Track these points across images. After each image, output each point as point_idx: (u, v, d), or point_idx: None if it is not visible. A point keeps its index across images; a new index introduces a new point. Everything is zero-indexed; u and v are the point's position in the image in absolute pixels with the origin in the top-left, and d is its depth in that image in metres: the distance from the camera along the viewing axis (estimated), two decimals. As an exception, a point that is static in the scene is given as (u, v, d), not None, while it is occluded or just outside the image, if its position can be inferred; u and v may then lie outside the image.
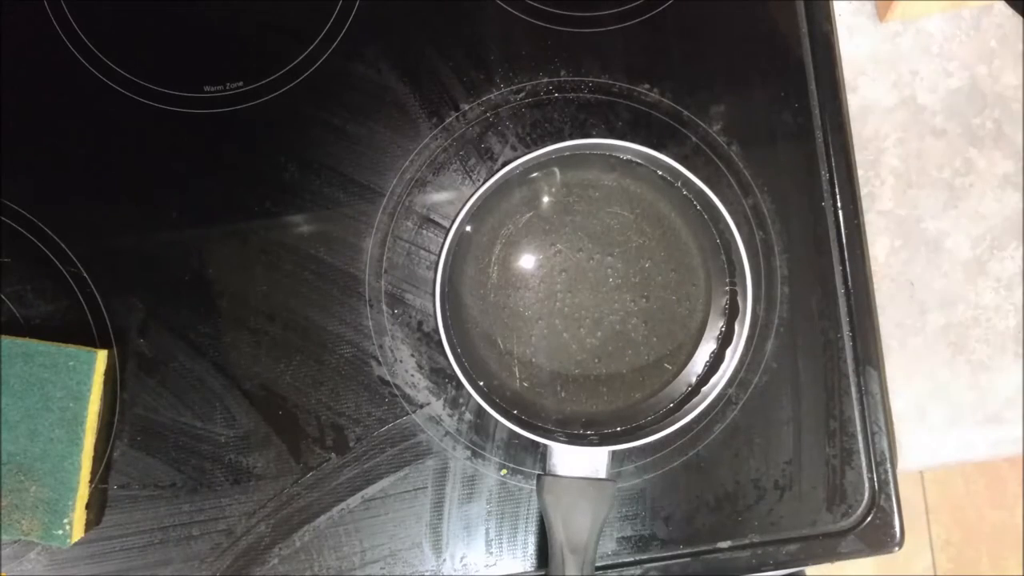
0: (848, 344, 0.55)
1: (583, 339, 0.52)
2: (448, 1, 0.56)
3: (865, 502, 0.54)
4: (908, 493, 1.35)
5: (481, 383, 0.51)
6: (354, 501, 0.54)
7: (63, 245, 0.55)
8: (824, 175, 0.55)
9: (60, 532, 0.51)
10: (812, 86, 0.56)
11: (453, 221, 0.50)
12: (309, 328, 0.55)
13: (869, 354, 0.54)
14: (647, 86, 0.56)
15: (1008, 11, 0.58)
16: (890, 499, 0.54)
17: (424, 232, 0.55)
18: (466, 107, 0.56)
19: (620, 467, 0.53)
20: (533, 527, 0.54)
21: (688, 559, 0.54)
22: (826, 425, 0.54)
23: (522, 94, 0.56)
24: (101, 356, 0.52)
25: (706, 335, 0.52)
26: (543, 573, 0.53)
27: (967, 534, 1.38)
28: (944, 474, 1.38)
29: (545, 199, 0.53)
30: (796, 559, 0.54)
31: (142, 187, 0.55)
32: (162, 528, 0.54)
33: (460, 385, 0.50)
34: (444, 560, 0.54)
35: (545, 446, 0.50)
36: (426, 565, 0.54)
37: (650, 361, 0.52)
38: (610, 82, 0.56)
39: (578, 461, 0.49)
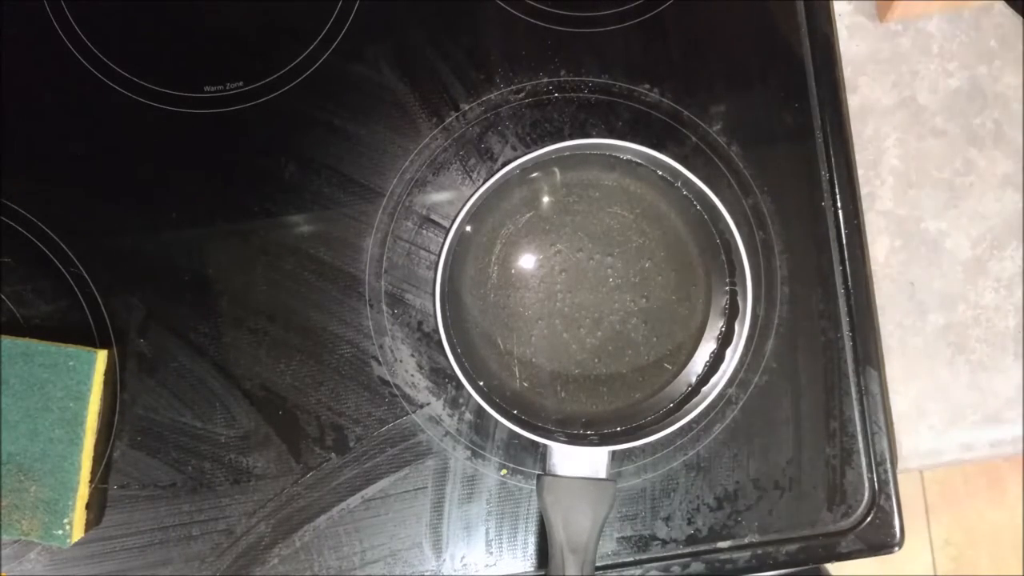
0: (848, 344, 0.55)
1: (583, 339, 0.52)
2: (448, 1, 0.56)
3: (865, 502, 0.54)
4: (908, 493, 1.35)
5: (481, 383, 0.51)
6: (354, 501, 0.54)
7: (63, 245, 0.55)
8: (824, 175, 0.55)
9: (60, 532, 0.51)
10: (812, 86, 0.56)
11: (453, 221, 0.50)
12: (309, 328, 0.55)
13: (869, 354, 0.54)
14: (647, 86, 0.56)
15: (1008, 11, 0.58)
16: (890, 499, 0.54)
17: (424, 232, 0.55)
18: (466, 107, 0.56)
19: (620, 467, 0.53)
20: (533, 527, 0.54)
21: (688, 559, 0.54)
22: (826, 425, 0.54)
23: (522, 94, 0.56)
24: (101, 356, 0.52)
25: (706, 335, 0.52)
26: (543, 573, 0.53)
27: (967, 534, 1.38)
28: (944, 474, 1.38)
29: (545, 199, 0.53)
30: (796, 559, 0.54)
31: (142, 187, 0.55)
32: (162, 528, 0.54)
33: (460, 385, 0.50)
34: (444, 560, 0.54)
35: (545, 446, 0.50)
36: (426, 565, 0.54)
37: (650, 361, 0.52)
38: (610, 82, 0.56)
39: (578, 461, 0.49)
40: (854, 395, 0.54)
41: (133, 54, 0.56)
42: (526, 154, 0.50)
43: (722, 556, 0.54)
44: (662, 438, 0.49)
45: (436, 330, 0.52)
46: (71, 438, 0.51)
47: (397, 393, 0.54)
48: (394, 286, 0.55)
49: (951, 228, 0.58)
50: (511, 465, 0.54)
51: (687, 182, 0.50)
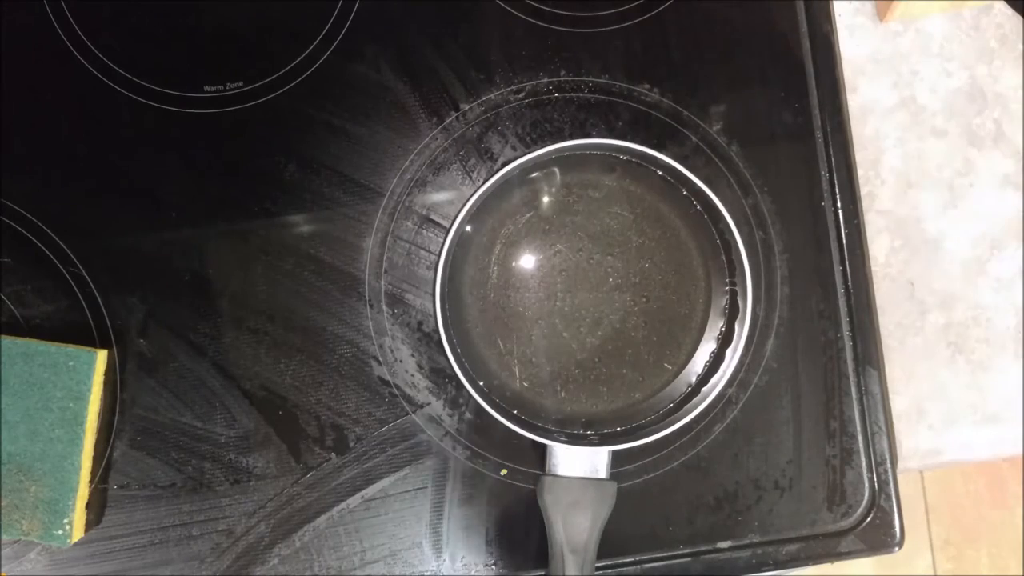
0: (848, 344, 0.55)
1: (583, 339, 0.52)
2: (448, 1, 0.56)
3: (865, 502, 0.54)
4: (908, 493, 1.35)
5: (481, 383, 0.51)
6: (354, 501, 0.54)
7: (63, 245, 0.55)
8: (824, 175, 0.55)
9: (60, 532, 0.51)
10: (812, 86, 0.56)
11: (453, 221, 0.50)
12: (309, 328, 0.55)
13: (869, 354, 0.54)
14: (647, 86, 0.56)
15: (1008, 11, 0.58)
16: (890, 499, 0.54)
17: (424, 232, 0.55)
18: (466, 107, 0.56)
19: (620, 467, 0.53)
20: (533, 527, 0.54)
21: (688, 559, 0.54)
22: (826, 425, 0.54)
23: (522, 94, 0.56)
24: (101, 356, 0.52)
25: (706, 335, 0.52)
26: (543, 573, 0.53)
27: (967, 534, 1.38)
28: (944, 474, 1.38)
29: (545, 199, 0.53)
30: (796, 559, 0.54)
31: (142, 187, 0.55)
32: (162, 528, 0.54)
33: (460, 385, 0.50)
34: (444, 560, 0.54)
35: (545, 446, 0.50)
36: (426, 565, 0.54)
37: (650, 361, 0.52)
38: (610, 82, 0.56)
39: (578, 461, 0.49)
40: (854, 395, 0.54)
41: (133, 54, 0.56)
42: (526, 154, 0.50)
43: (722, 556, 0.54)
44: (662, 438, 0.49)
45: (436, 330, 0.52)
46: (71, 438, 0.51)
47: (397, 393, 0.54)
48: (394, 286, 0.55)
49: (951, 228, 0.58)
50: (511, 465, 0.54)
51: (687, 182, 0.50)
